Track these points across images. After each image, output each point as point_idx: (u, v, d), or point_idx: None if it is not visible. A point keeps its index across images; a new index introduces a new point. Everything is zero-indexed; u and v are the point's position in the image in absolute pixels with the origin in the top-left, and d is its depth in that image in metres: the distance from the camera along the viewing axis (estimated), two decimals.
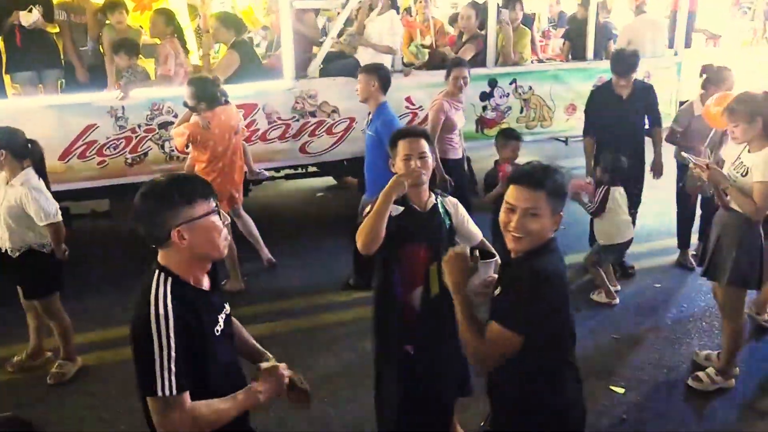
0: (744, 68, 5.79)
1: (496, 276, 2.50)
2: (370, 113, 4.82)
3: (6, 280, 4.03)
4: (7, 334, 4.52)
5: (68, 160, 5.25)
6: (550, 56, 7.73)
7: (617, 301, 4.90)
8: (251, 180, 5.81)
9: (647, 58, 6.56)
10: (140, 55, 5.93)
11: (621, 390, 3.85)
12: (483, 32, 6.29)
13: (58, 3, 6.03)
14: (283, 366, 2.12)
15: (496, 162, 5.05)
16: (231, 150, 4.93)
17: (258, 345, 2.35)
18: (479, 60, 6.23)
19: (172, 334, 1.83)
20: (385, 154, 4.54)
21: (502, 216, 2.19)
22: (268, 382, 2.05)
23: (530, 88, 6.53)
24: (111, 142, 5.32)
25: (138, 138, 5.38)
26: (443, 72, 6.14)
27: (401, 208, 2.79)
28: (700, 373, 3.93)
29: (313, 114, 5.81)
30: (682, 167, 5.02)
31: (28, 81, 5.80)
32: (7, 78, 5.80)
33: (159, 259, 1.98)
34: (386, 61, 5.90)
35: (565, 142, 7.52)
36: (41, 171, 3.91)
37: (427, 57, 6.93)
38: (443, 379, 3.04)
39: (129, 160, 5.41)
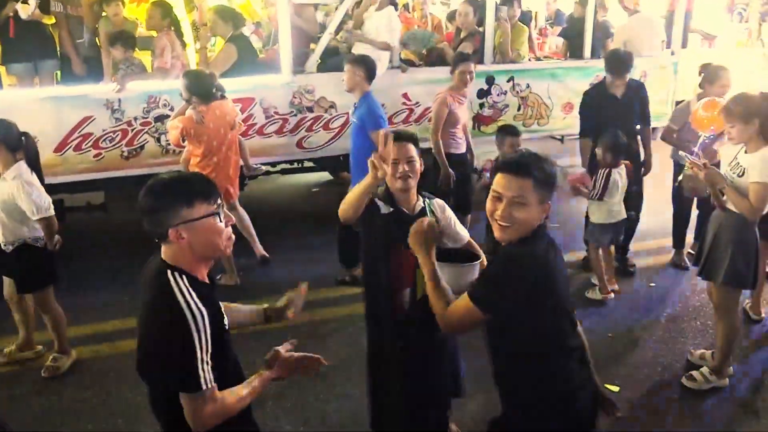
0: (739, 69, 5.80)
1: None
2: (355, 103, 4.88)
3: None
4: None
5: (64, 153, 5.22)
6: (547, 54, 7.74)
7: (612, 296, 4.93)
8: (252, 175, 5.81)
9: (644, 57, 6.58)
10: (136, 48, 5.90)
11: (616, 388, 3.86)
12: (481, 29, 6.29)
13: None
14: (284, 349, 2.21)
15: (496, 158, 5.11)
16: (226, 145, 4.92)
17: (247, 306, 2.42)
18: (477, 57, 6.22)
19: (208, 329, 1.86)
20: (368, 141, 4.60)
21: (488, 204, 2.18)
22: (279, 367, 2.15)
23: (528, 85, 6.53)
24: (107, 135, 5.29)
25: (134, 131, 5.35)
26: (440, 68, 6.19)
27: (390, 210, 2.82)
28: (695, 373, 3.95)
29: (310, 109, 5.80)
30: (679, 166, 5.03)
31: (23, 73, 5.75)
32: (2, 69, 5.75)
33: (163, 255, 1.97)
34: (384, 57, 5.90)
35: (561, 140, 7.52)
36: (35, 164, 3.88)
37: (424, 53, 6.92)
38: (434, 377, 3.06)
39: (125, 153, 5.38)
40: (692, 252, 5.42)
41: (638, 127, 5.37)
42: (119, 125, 5.30)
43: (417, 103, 6.11)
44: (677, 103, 6.48)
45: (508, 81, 6.45)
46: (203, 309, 1.87)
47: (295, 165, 6.52)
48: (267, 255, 5.55)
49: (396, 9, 6.38)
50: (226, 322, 2.04)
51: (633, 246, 5.51)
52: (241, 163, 5.31)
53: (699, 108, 4.44)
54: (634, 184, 5.21)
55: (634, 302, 4.96)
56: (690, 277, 5.24)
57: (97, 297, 4.97)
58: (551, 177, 2.15)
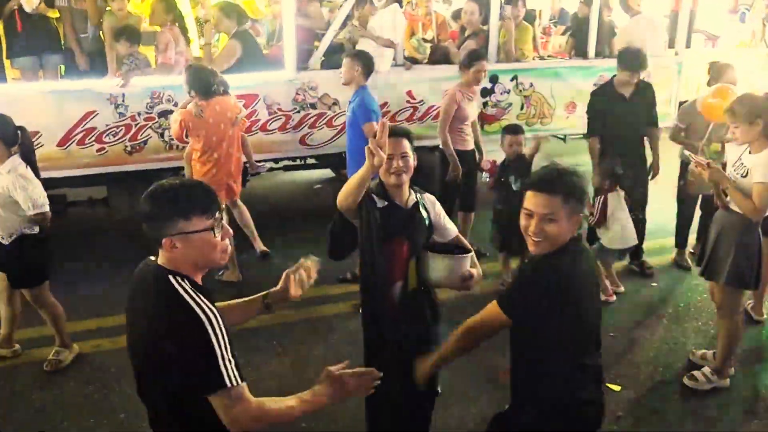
0: (743, 69, 5.79)
1: (474, 271, 2.82)
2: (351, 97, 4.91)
3: None
4: None
5: (67, 147, 5.23)
6: (550, 53, 7.72)
7: (614, 298, 4.93)
8: (251, 172, 5.81)
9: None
10: (141, 43, 5.90)
11: (617, 387, 3.87)
12: (485, 28, 6.29)
13: None
14: (341, 368, 2.10)
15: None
16: (227, 141, 4.91)
17: (242, 300, 2.35)
18: None
19: (222, 326, 1.85)
20: (361, 134, 4.62)
21: (521, 220, 2.27)
22: (332, 386, 2.05)
23: (531, 84, 6.53)
24: (110, 130, 5.30)
25: (138, 126, 5.36)
26: (445, 66, 6.20)
27: (384, 203, 2.84)
28: (696, 372, 3.96)
29: (313, 106, 5.80)
30: (686, 165, 5.04)
31: (28, 66, 5.76)
32: (7, 63, 5.75)
33: (160, 260, 1.95)
34: (388, 54, 5.91)
35: (564, 139, 7.52)
36: (30, 159, 3.88)
37: (428, 51, 6.91)
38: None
39: (128, 148, 5.39)
40: (693, 252, 5.44)
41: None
42: (123, 120, 5.31)
43: (421, 100, 6.11)
44: (680, 103, 6.49)
45: (512, 80, 6.45)
46: (213, 308, 1.87)
47: (298, 162, 6.52)
48: (267, 250, 5.55)
49: (401, 6, 6.38)
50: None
51: None
52: (244, 160, 5.31)
53: (708, 95, 4.44)
54: (640, 186, 5.20)
55: (636, 302, 4.96)
56: (692, 277, 5.23)
57: (98, 292, 4.98)
58: (579, 191, 2.22)
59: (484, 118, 6.40)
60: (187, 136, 4.89)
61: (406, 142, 2.87)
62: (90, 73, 5.85)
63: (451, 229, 3.06)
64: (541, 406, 2.31)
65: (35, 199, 3.75)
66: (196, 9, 7.24)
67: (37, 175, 3.89)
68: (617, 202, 4.79)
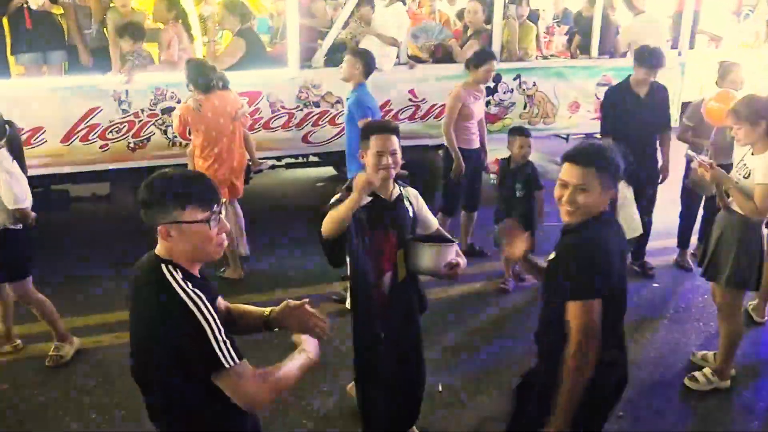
0: (746, 70, 5.78)
1: (460, 259, 2.94)
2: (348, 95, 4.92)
3: None
4: None
5: (70, 143, 5.24)
6: (554, 53, 7.71)
7: None
8: (253, 169, 5.82)
9: None
10: (144, 40, 5.90)
11: None
12: (489, 27, 6.29)
13: None
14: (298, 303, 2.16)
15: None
16: (227, 136, 4.91)
17: (254, 308, 2.30)
18: None
19: (211, 310, 1.87)
20: (356, 129, 4.63)
21: (556, 191, 2.39)
22: (307, 342, 2.12)
23: (534, 84, 6.53)
24: (114, 126, 5.31)
25: (141, 123, 5.37)
26: (448, 65, 6.20)
27: (370, 198, 2.88)
28: (697, 373, 3.96)
29: (316, 104, 5.81)
30: (689, 164, 5.04)
31: (32, 62, 5.77)
32: (11, 59, 5.76)
33: (157, 250, 1.97)
34: (391, 53, 5.91)
35: (566, 139, 7.51)
36: (18, 154, 3.87)
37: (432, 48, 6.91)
38: (412, 359, 3.23)
39: (131, 145, 5.40)
40: (695, 253, 5.44)
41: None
42: (126, 117, 5.32)
43: (423, 99, 6.11)
44: (684, 104, 6.48)
45: (515, 79, 6.45)
46: (201, 294, 1.88)
47: (300, 159, 6.52)
48: (248, 254, 5.53)
49: (404, 5, 6.38)
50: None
51: None
52: (247, 157, 5.31)
53: (711, 99, 4.45)
54: (649, 188, 5.19)
55: (637, 302, 4.95)
56: (694, 278, 5.24)
57: (101, 287, 5.00)
58: (614, 166, 2.33)
59: (486, 117, 6.39)
60: (189, 134, 4.90)
61: (395, 139, 2.94)
62: (94, 70, 5.85)
63: (433, 221, 3.17)
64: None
65: (16, 194, 3.73)
66: (200, 6, 7.24)
67: (23, 170, 3.89)
68: (624, 190, 4.78)
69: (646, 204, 5.15)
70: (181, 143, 5.40)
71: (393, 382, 3.14)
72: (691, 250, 5.60)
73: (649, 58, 5.00)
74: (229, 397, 1.90)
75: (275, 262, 5.53)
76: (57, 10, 5.89)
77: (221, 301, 2.21)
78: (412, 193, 3.11)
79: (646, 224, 5.21)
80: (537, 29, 6.99)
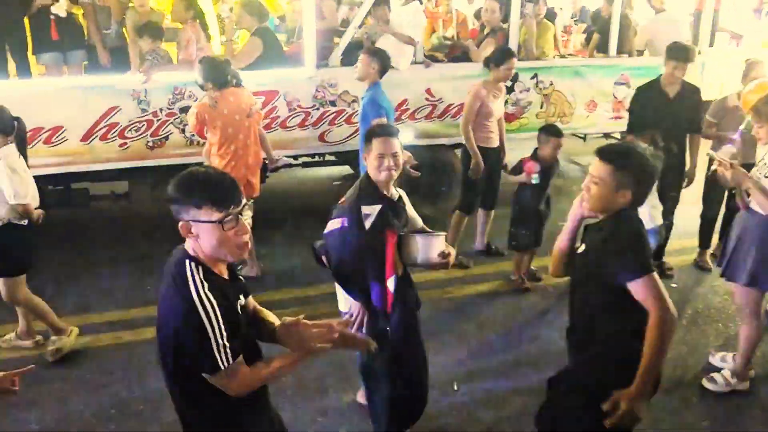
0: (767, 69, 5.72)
1: (451, 250, 3.08)
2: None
3: None
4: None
5: (90, 142, 5.29)
6: (571, 52, 7.69)
7: None
8: (276, 167, 5.86)
9: None
10: (163, 39, 5.95)
11: None
12: (505, 26, 6.27)
13: None
14: (294, 320, 2.13)
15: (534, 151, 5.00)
16: (243, 133, 4.90)
17: (272, 319, 2.30)
18: None
19: (218, 313, 1.91)
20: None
21: (586, 180, 2.54)
22: (291, 336, 2.10)
23: (551, 83, 6.50)
24: (133, 125, 5.35)
25: (159, 121, 5.41)
26: (464, 64, 6.19)
27: (378, 206, 3.00)
28: (715, 375, 3.93)
29: (333, 103, 5.82)
30: (713, 162, 4.99)
31: (53, 62, 5.84)
32: (32, 59, 5.83)
33: (185, 245, 2.03)
34: (408, 52, 5.91)
35: (584, 138, 7.48)
36: (22, 150, 3.93)
37: (448, 49, 6.91)
38: (418, 354, 3.31)
39: (150, 143, 5.45)
40: (714, 253, 5.38)
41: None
42: (145, 116, 5.36)
43: (440, 98, 6.11)
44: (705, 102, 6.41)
45: (532, 78, 6.42)
46: (212, 298, 1.92)
47: (317, 158, 6.55)
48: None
49: (421, 4, 6.38)
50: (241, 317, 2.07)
51: None
52: (263, 155, 5.32)
53: (749, 89, 4.40)
54: (673, 190, 5.14)
55: None
56: (712, 279, 5.19)
57: (119, 284, 5.05)
58: (636, 169, 2.42)
59: (504, 116, 6.38)
60: (206, 132, 4.92)
61: (396, 141, 3.04)
62: (113, 69, 5.92)
63: (418, 218, 3.31)
64: (603, 356, 2.49)
65: (18, 190, 3.76)
66: (217, 5, 7.29)
67: (26, 166, 3.94)
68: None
69: (669, 205, 5.12)
70: (198, 142, 5.44)
71: (399, 378, 3.18)
72: (710, 250, 5.55)
73: (678, 51, 4.95)
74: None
75: (292, 261, 5.55)
76: (77, 11, 5.96)
77: (251, 302, 2.25)
78: (403, 193, 3.25)
79: (668, 229, 5.17)
80: (554, 28, 6.96)
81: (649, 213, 4.68)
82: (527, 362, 4.12)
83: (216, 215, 1.92)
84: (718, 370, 3.98)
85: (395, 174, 3.03)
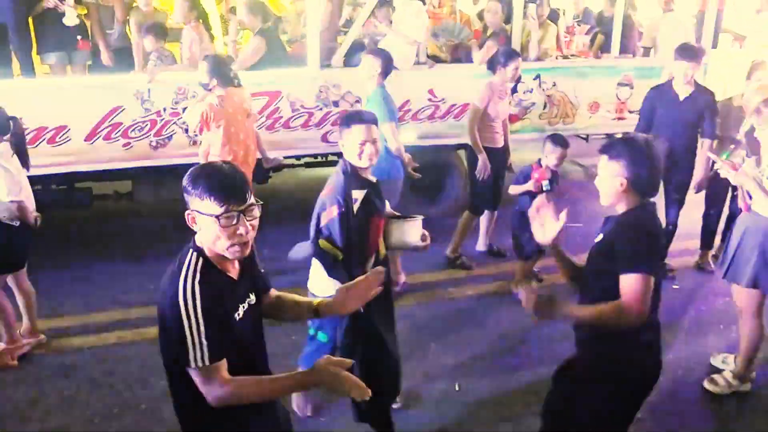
0: None
1: (426, 233, 3.29)
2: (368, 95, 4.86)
3: None
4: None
5: (93, 141, 5.31)
6: (574, 52, 7.68)
7: None
8: (271, 167, 5.85)
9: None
10: (167, 39, 5.96)
11: None
12: (508, 27, 6.27)
13: None
14: (337, 361, 2.01)
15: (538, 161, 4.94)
16: (244, 133, 4.94)
17: (302, 299, 2.39)
18: None
19: (199, 310, 1.90)
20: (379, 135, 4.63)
21: None
22: (318, 374, 1.98)
23: (554, 84, 6.50)
24: (136, 125, 5.37)
25: (163, 121, 5.42)
26: (467, 65, 6.20)
27: (364, 191, 3.11)
28: (717, 376, 3.93)
29: (336, 103, 5.83)
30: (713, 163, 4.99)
31: (57, 61, 5.86)
32: (36, 58, 5.85)
33: (195, 238, 2.04)
34: (410, 52, 5.91)
35: (586, 139, 7.47)
36: (21, 149, 3.94)
37: (449, 49, 6.91)
38: (390, 334, 3.38)
39: (153, 143, 5.46)
40: (716, 255, 5.39)
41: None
42: (148, 115, 5.38)
43: (443, 99, 6.12)
44: None
45: (535, 79, 6.43)
46: (198, 291, 1.91)
47: (320, 159, 6.55)
48: None
49: (424, 4, 6.38)
50: (241, 317, 2.06)
51: None
52: (259, 155, 5.33)
53: (751, 92, 4.42)
54: (677, 193, 5.14)
55: None
56: (714, 280, 5.18)
57: (122, 284, 5.06)
58: (625, 155, 2.47)
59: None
60: (199, 133, 4.91)
61: (375, 128, 3.14)
62: (117, 69, 5.93)
63: (386, 203, 3.41)
64: (609, 349, 2.54)
65: (10, 187, 3.77)
66: (221, 6, 7.30)
67: (27, 165, 3.97)
68: None
69: (672, 208, 5.13)
70: (201, 142, 5.44)
71: (374, 357, 3.22)
72: (712, 251, 5.55)
73: (689, 51, 4.93)
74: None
75: (291, 262, 5.54)
76: (81, 11, 5.97)
77: (273, 292, 2.31)
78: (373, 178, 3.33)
79: (670, 234, 5.19)
80: (557, 29, 6.96)
81: None
82: (530, 363, 4.12)
83: (216, 209, 1.90)
84: (720, 371, 3.98)
85: (375, 160, 3.13)
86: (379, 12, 5.96)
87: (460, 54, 6.51)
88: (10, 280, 4.09)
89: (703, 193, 5.43)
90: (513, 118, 6.38)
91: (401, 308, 4.81)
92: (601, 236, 2.65)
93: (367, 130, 3.09)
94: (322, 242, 3.18)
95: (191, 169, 1.99)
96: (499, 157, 5.41)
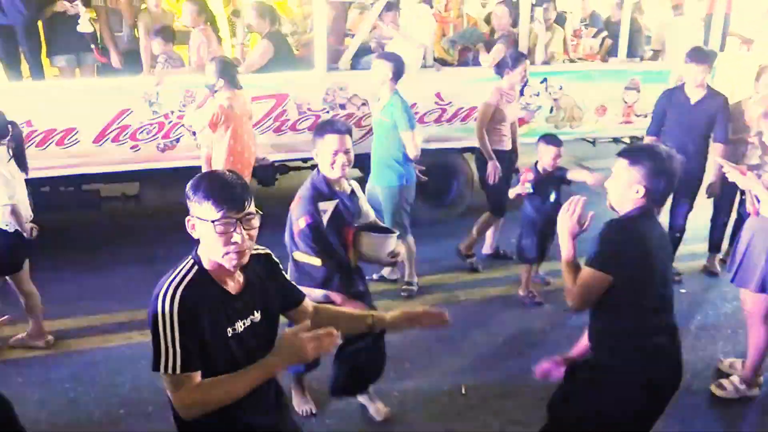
0: None
1: (400, 248, 3.26)
2: (379, 99, 4.84)
3: None
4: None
5: (102, 144, 5.33)
6: (581, 56, 7.67)
7: None
8: (277, 169, 5.87)
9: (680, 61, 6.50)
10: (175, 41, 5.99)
11: None
12: (515, 30, 6.27)
13: None
14: (303, 328, 1.96)
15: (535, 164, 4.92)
16: (247, 134, 4.98)
17: (355, 313, 2.43)
18: None
19: (176, 317, 1.87)
20: (397, 141, 4.62)
21: None
22: (278, 351, 1.95)
23: (561, 87, 6.50)
24: (144, 127, 5.39)
25: (171, 124, 5.45)
26: (474, 68, 6.20)
27: (335, 202, 3.10)
28: (724, 381, 3.91)
29: (343, 106, 5.85)
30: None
31: (66, 65, 5.89)
32: (46, 61, 5.89)
33: (198, 248, 2.01)
34: (417, 55, 5.92)
35: (593, 143, 7.46)
36: (19, 154, 3.95)
37: (457, 53, 6.91)
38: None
39: (161, 146, 5.48)
40: (724, 259, 5.37)
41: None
42: (156, 118, 5.40)
43: (450, 102, 6.12)
44: None
45: (542, 82, 6.42)
46: (177, 299, 1.88)
47: None
48: None
49: (431, 8, 6.39)
50: (239, 333, 2.00)
51: None
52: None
53: (759, 97, 4.41)
54: (686, 196, 5.11)
55: None
56: (722, 284, 5.17)
57: (129, 285, 5.07)
58: (647, 162, 2.45)
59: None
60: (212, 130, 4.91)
61: (348, 138, 3.13)
62: (125, 71, 5.96)
63: (371, 211, 3.40)
64: (618, 355, 2.56)
65: (3, 191, 3.77)
66: (228, 8, 7.32)
67: (26, 169, 3.98)
68: None
69: (681, 212, 5.13)
70: (209, 145, 5.46)
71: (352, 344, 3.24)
72: (720, 255, 5.53)
73: (700, 54, 4.92)
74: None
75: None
76: (90, 13, 6.01)
77: (308, 305, 2.25)
78: (355, 185, 3.32)
79: (677, 240, 5.18)
80: (564, 32, 6.96)
81: None
82: (534, 366, 4.10)
83: (213, 214, 1.87)
84: (727, 376, 3.97)
85: (347, 170, 3.13)
86: (386, 15, 5.97)
87: (467, 57, 6.51)
88: (9, 282, 4.08)
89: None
90: (520, 122, 6.37)
91: None
92: None
93: (341, 140, 3.08)
94: (297, 254, 3.20)
95: (195, 177, 1.97)
96: (506, 159, 5.40)
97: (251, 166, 5.19)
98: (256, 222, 1.95)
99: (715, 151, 5.03)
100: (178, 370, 1.87)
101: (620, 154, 2.55)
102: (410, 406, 3.74)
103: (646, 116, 5.87)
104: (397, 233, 3.33)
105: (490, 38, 6.56)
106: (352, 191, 3.25)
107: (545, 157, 4.79)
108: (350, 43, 6.04)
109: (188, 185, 1.95)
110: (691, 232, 5.48)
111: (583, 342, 2.77)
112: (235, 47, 6.93)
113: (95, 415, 3.70)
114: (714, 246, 5.55)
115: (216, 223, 1.87)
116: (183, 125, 5.45)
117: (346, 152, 3.09)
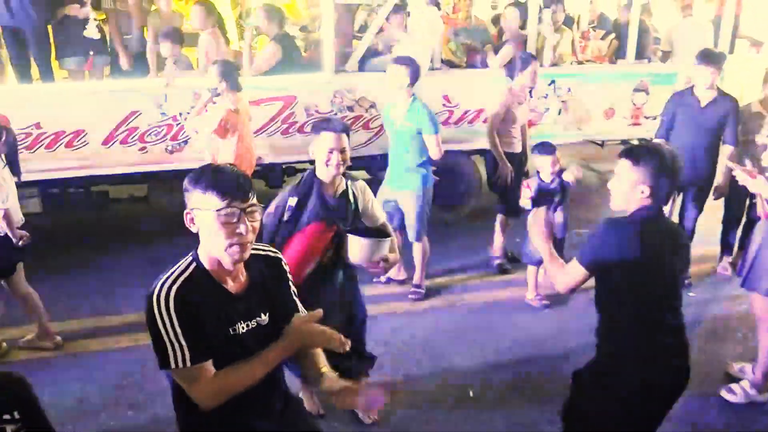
0: None
1: (392, 255, 3.14)
2: (396, 104, 4.77)
3: None
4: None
5: (110, 145, 5.35)
6: (589, 58, 7.65)
7: None
8: (285, 171, 5.86)
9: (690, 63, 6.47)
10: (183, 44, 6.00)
11: None
12: (524, 32, 6.26)
13: None
14: (307, 317, 2.05)
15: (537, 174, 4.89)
16: (249, 136, 5.00)
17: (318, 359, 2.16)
18: None
19: (173, 314, 1.86)
20: (420, 145, 4.60)
21: None
22: (295, 334, 1.99)
23: (569, 89, 6.48)
24: (152, 129, 5.41)
25: (179, 126, 5.46)
26: (482, 70, 6.19)
27: (296, 199, 3.11)
28: (734, 386, 3.88)
29: (350, 108, 5.85)
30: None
31: (76, 67, 5.92)
32: (55, 64, 5.92)
33: (198, 248, 1.99)
34: (425, 57, 5.91)
35: (602, 145, 7.44)
36: (13, 158, 3.96)
37: (466, 56, 6.90)
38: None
39: (169, 148, 5.50)
40: (733, 262, 5.33)
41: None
42: (165, 120, 5.41)
43: (457, 104, 6.11)
44: None
45: (550, 84, 6.41)
46: (172, 295, 1.87)
47: None
48: None
49: (439, 9, 6.38)
50: (241, 333, 1.99)
51: None
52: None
53: None
54: (695, 200, 5.09)
55: None
56: (732, 287, 5.13)
57: (137, 287, 5.06)
58: (652, 164, 2.44)
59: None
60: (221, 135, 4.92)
61: (345, 137, 3.09)
62: (134, 74, 5.98)
63: (380, 216, 3.35)
64: (622, 353, 2.55)
65: None
66: (236, 11, 7.35)
67: (18, 174, 3.99)
68: None
69: (691, 216, 5.11)
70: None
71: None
72: (731, 258, 5.50)
73: (711, 56, 4.89)
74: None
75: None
76: (99, 16, 6.04)
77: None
78: (360, 187, 3.27)
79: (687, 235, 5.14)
80: (572, 34, 6.94)
81: None
82: (544, 370, 4.10)
83: (217, 203, 1.85)
84: (737, 380, 3.93)
85: (342, 170, 3.10)
86: (394, 17, 5.96)
87: (475, 59, 6.50)
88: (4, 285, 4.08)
89: (722, 198, 5.38)
90: (529, 124, 6.36)
91: (415, 313, 4.83)
92: None
93: (337, 138, 3.06)
94: None
95: (192, 171, 1.94)
96: (516, 162, 5.38)
97: (253, 167, 5.22)
98: (258, 215, 1.94)
99: (725, 153, 5.00)
100: (188, 363, 1.86)
101: (623, 155, 2.53)
102: (418, 407, 3.73)
103: (654, 118, 5.84)
104: (391, 238, 3.19)
105: (498, 41, 6.55)
106: (344, 192, 3.19)
107: (544, 167, 4.75)
108: (358, 45, 6.04)
109: (186, 179, 1.93)
110: (702, 235, 5.45)
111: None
112: (243, 50, 6.93)
113: (101, 416, 3.70)
114: (724, 249, 5.51)
115: (220, 212, 1.85)
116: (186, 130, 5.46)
117: (342, 151, 3.06)
